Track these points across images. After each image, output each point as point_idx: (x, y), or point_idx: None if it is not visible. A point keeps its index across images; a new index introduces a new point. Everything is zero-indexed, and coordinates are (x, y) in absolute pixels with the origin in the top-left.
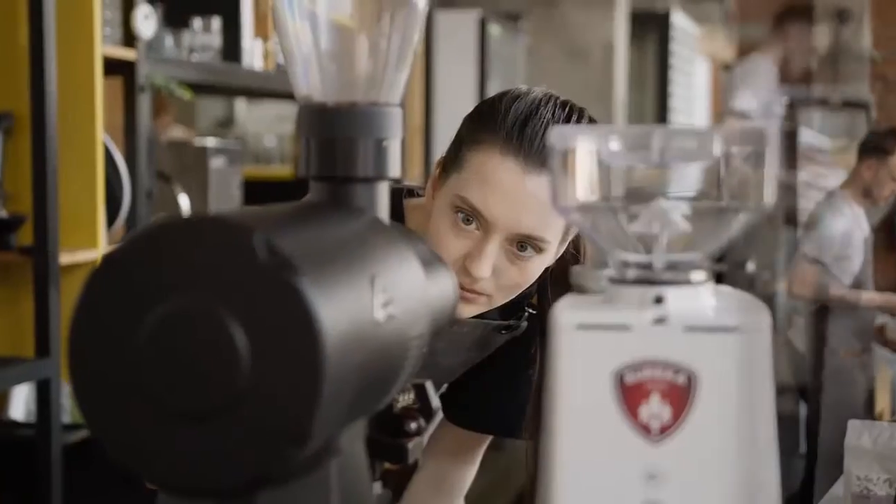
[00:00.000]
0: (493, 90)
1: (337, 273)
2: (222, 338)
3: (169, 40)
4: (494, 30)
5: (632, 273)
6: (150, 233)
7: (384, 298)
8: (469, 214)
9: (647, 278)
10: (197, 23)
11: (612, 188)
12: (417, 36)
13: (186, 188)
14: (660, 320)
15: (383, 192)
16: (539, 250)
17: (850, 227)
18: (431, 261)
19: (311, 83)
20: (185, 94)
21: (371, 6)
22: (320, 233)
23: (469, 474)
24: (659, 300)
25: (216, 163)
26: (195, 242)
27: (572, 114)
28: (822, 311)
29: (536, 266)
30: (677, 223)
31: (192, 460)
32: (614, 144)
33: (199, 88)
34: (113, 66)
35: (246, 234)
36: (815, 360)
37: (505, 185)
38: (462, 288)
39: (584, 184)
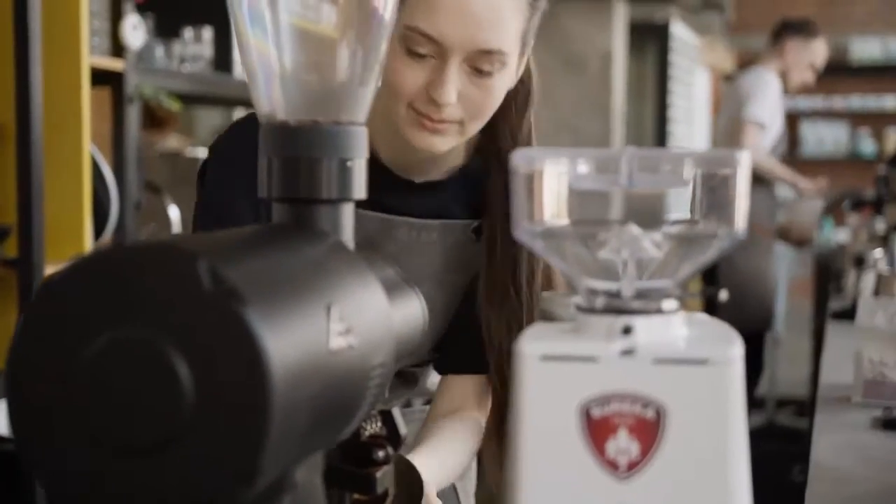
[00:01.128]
0: None
1: (289, 301)
2: (164, 370)
3: (160, 50)
4: None
5: (600, 301)
6: (92, 259)
7: (342, 327)
8: (421, 45)
9: (616, 307)
10: (188, 33)
11: (580, 212)
12: (384, 49)
13: (178, 199)
14: (628, 352)
15: (348, 213)
16: (500, 65)
17: (776, 97)
18: (397, 285)
19: (273, 100)
20: (174, 105)
21: (335, 20)
22: (274, 259)
23: (480, 425)
24: (627, 330)
25: None
26: (138, 270)
27: None
28: None
29: (499, 84)
30: (647, 249)
31: (134, 496)
32: (582, 167)
33: (190, 99)
34: (101, 77)
35: (190, 262)
36: None
37: (451, 3)
38: (430, 119)
39: (550, 208)
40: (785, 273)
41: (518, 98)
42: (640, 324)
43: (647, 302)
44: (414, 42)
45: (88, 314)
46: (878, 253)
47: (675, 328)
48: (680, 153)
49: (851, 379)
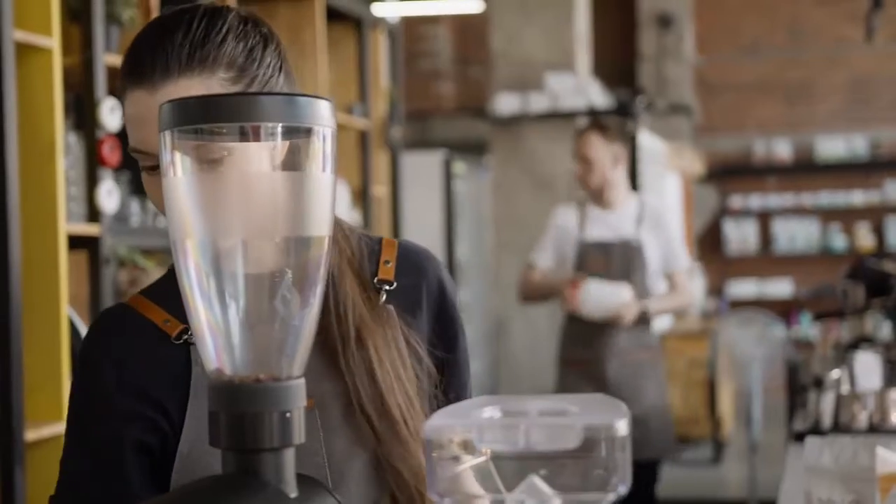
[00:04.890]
0: (460, 225)
1: None
2: None
3: (135, 206)
4: (459, 167)
5: None
6: None
7: None
8: (143, 160)
9: None
10: None
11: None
12: (317, 307)
13: None
14: None
15: (289, 457)
16: (227, 152)
17: (562, 228)
18: None
19: (220, 359)
20: (148, 265)
21: (267, 285)
22: None
23: None
24: None
25: None
26: None
27: (183, 15)
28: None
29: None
30: (551, 498)
31: None
32: (486, 434)
33: (167, 251)
34: (78, 241)
35: None
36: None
37: (144, 114)
38: None
39: (459, 471)
40: (759, 377)
41: None
42: None
43: None
44: (140, 160)
45: None
46: (836, 373)
47: None
48: (571, 419)
49: None
